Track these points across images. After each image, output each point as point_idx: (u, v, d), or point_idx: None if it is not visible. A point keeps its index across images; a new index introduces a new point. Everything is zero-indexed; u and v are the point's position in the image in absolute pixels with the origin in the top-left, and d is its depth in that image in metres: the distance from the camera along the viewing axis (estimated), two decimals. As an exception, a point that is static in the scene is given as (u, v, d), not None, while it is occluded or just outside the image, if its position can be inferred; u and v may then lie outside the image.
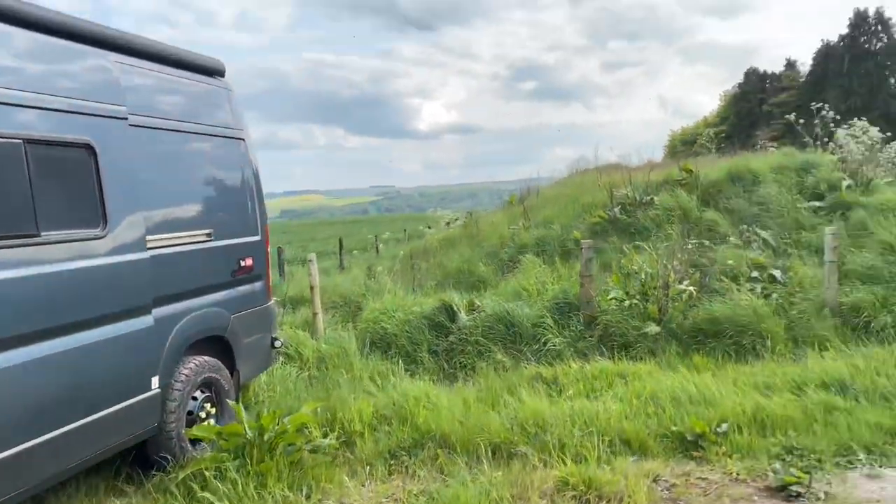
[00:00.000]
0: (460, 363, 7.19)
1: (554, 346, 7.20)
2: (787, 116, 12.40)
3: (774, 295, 7.55)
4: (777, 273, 7.94)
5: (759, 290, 7.68)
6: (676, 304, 7.37)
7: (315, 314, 8.21)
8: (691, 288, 7.34)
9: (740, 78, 74.69)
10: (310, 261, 8.63)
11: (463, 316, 7.70)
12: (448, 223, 16.26)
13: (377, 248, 20.42)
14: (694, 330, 7.14)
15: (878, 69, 57.92)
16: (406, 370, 6.98)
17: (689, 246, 8.33)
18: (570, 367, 6.48)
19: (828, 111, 11.62)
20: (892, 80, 59.16)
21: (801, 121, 12.06)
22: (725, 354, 6.77)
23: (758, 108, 62.24)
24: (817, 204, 9.79)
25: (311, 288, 8.33)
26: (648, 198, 10.56)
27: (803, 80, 64.73)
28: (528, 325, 7.53)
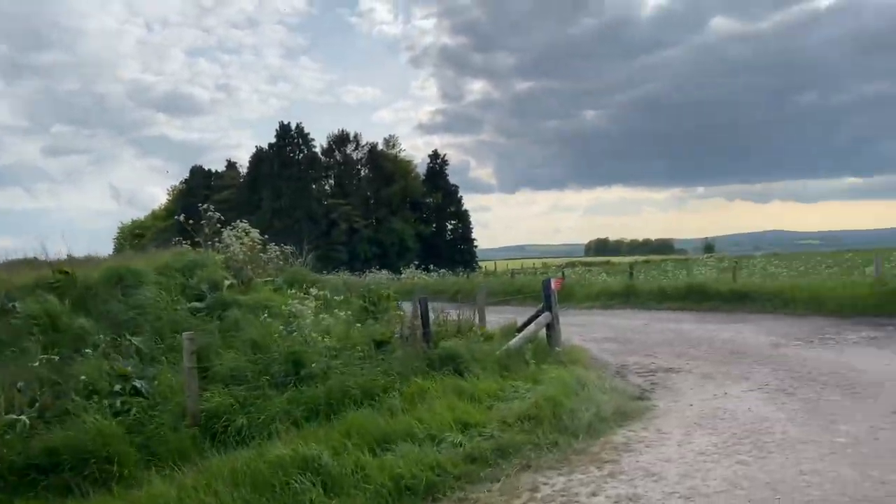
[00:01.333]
0: None
1: None
2: (177, 217, 12.53)
3: (134, 409, 6.95)
4: (140, 384, 7.38)
5: (118, 405, 6.98)
6: (9, 437, 6.08)
7: None
8: (24, 417, 6.17)
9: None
10: None
11: None
12: None
13: None
14: (28, 467, 5.96)
15: (301, 174, 66.97)
16: None
17: (38, 363, 7.15)
18: None
19: (214, 211, 12.12)
20: (314, 186, 69.21)
21: (191, 221, 12.26)
22: (64, 491, 5.80)
23: (203, 204, 64.80)
24: (198, 305, 9.77)
25: None
26: (11, 304, 8.98)
27: (242, 179, 70.42)
28: None
